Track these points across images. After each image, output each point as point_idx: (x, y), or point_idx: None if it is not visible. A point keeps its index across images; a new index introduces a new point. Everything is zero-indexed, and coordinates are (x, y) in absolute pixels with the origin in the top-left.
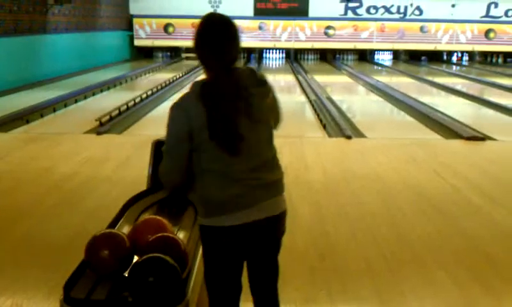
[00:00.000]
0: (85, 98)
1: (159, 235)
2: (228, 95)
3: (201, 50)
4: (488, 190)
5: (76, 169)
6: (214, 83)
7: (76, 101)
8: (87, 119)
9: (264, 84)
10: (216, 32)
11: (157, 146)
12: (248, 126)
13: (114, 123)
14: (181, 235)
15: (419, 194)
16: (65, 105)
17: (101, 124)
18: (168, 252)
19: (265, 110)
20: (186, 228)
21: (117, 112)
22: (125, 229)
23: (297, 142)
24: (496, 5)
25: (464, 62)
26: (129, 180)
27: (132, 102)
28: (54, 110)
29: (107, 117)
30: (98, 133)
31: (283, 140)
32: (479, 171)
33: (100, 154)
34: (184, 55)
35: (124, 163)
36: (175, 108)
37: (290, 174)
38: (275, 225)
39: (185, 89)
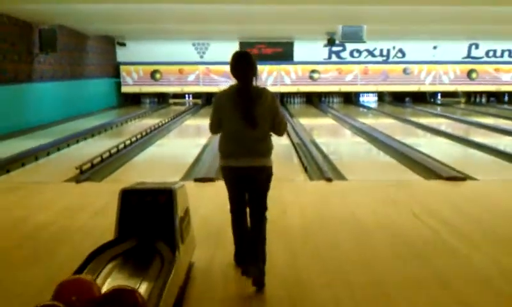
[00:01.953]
0: (68, 146)
1: (116, 287)
2: (244, 97)
3: (233, 72)
4: (466, 232)
5: (51, 218)
6: (239, 90)
7: (59, 149)
8: (69, 167)
9: (260, 96)
10: (240, 62)
11: (125, 195)
12: (253, 119)
13: (96, 170)
14: (144, 286)
15: (396, 237)
16: (48, 154)
17: (81, 172)
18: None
19: (260, 115)
20: (150, 279)
21: (99, 159)
22: None
23: (276, 186)
24: (477, 46)
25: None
26: (103, 229)
27: (115, 149)
28: (36, 159)
29: (88, 165)
30: (78, 181)
31: None
32: (458, 212)
33: (77, 203)
34: (171, 100)
35: (100, 211)
36: (216, 96)
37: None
38: (256, 171)
39: (172, 133)
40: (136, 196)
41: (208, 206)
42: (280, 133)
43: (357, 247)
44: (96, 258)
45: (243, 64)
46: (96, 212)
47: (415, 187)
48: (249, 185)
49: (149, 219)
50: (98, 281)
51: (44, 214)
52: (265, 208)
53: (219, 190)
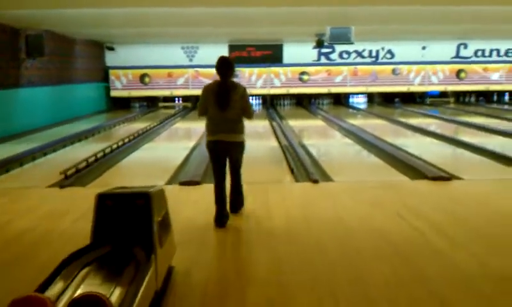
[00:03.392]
0: (54, 151)
1: (83, 294)
2: (222, 89)
3: (217, 71)
4: (451, 233)
5: (34, 224)
6: (219, 83)
7: (45, 154)
8: (54, 172)
9: (235, 89)
10: (222, 65)
11: (101, 200)
12: (227, 103)
13: (82, 174)
14: (117, 292)
15: (380, 238)
16: (33, 159)
17: (66, 177)
18: None
19: (233, 100)
20: (124, 285)
21: (84, 164)
22: (58, 288)
23: (262, 188)
24: (465, 46)
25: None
26: (86, 234)
27: (102, 153)
28: (21, 164)
29: (74, 169)
30: (62, 186)
31: (248, 187)
32: (443, 212)
33: (60, 208)
34: (161, 104)
35: (83, 216)
36: (204, 88)
37: (251, 222)
38: (231, 144)
39: (161, 137)
40: (112, 201)
41: (192, 210)
42: (248, 117)
43: (341, 249)
44: (71, 264)
45: (224, 66)
46: (79, 216)
47: (401, 187)
48: (227, 154)
49: (125, 223)
50: (71, 287)
51: (26, 219)
52: (239, 166)
53: (205, 193)
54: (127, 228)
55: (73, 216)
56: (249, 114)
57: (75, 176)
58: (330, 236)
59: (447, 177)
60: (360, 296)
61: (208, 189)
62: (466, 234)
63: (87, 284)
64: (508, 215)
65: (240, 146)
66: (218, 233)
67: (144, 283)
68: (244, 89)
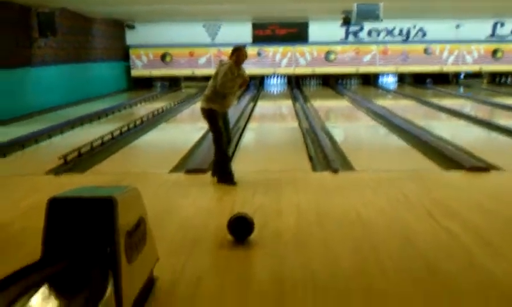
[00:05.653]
0: (61, 133)
1: None
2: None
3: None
4: (491, 238)
5: (15, 217)
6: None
7: (50, 136)
8: (55, 156)
9: (223, 65)
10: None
11: (53, 205)
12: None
13: (83, 158)
14: None
15: (406, 242)
16: (36, 141)
17: (65, 162)
18: None
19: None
20: None
21: (88, 147)
22: None
23: (275, 178)
24: (502, 24)
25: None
26: None
27: (110, 136)
28: (23, 147)
29: (75, 153)
30: (56, 173)
31: (260, 176)
32: (481, 211)
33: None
34: (183, 84)
35: None
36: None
37: (258, 220)
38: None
39: (180, 116)
40: (67, 207)
41: (190, 207)
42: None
43: (356, 256)
44: (10, 286)
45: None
46: None
47: (431, 179)
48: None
49: (83, 235)
50: None
51: (9, 212)
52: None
53: (209, 185)
54: (85, 240)
55: None
56: (218, 85)
57: (78, 160)
58: (345, 240)
59: (485, 168)
60: None
61: (213, 181)
62: (507, 238)
63: None
64: None
65: (203, 112)
66: (216, 232)
67: None
68: (229, 66)
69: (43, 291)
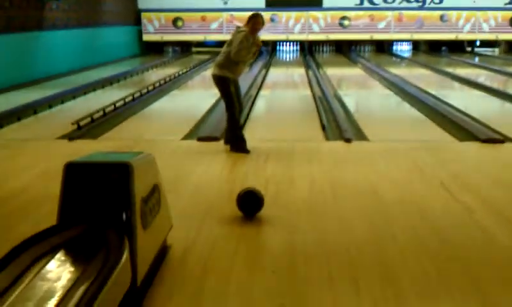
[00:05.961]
0: (74, 98)
1: None
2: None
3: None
4: (506, 211)
5: (27, 183)
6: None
7: (62, 101)
8: (68, 122)
9: (237, 33)
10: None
11: (69, 170)
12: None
13: (96, 124)
14: (82, 287)
15: (419, 215)
16: (50, 106)
17: (79, 127)
18: None
19: (232, 40)
20: (90, 276)
21: (101, 113)
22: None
23: (287, 148)
24: None
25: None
26: None
27: (122, 102)
28: (35, 113)
29: (88, 119)
30: (70, 139)
31: (272, 145)
32: (498, 185)
33: (60, 165)
34: (194, 49)
35: None
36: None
37: (270, 190)
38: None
39: (192, 82)
40: (83, 172)
41: (203, 174)
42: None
43: (369, 227)
44: (25, 252)
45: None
46: None
47: (446, 150)
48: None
49: (100, 200)
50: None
51: (21, 178)
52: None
53: (222, 153)
54: (101, 205)
55: None
56: (232, 52)
57: (90, 126)
58: (358, 211)
59: (500, 139)
60: (388, 290)
61: (225, 148)
62: None
63: (41, 279)
64: None
65: (215, 79)
66: (228, 200)
67: (112, 278)
68: (244, 34)
69: (59, 256)
